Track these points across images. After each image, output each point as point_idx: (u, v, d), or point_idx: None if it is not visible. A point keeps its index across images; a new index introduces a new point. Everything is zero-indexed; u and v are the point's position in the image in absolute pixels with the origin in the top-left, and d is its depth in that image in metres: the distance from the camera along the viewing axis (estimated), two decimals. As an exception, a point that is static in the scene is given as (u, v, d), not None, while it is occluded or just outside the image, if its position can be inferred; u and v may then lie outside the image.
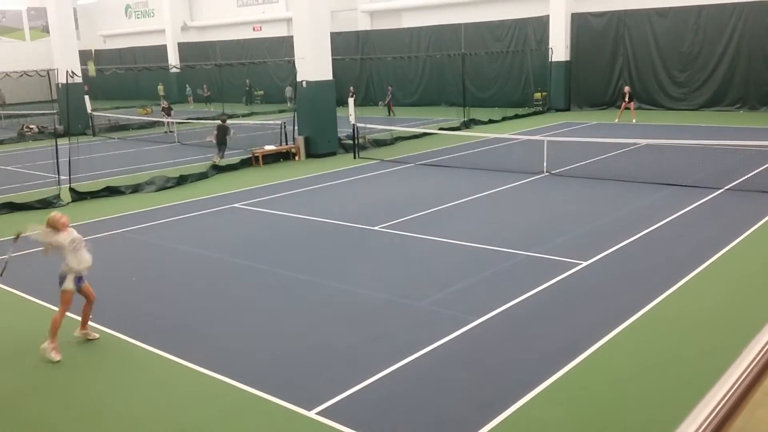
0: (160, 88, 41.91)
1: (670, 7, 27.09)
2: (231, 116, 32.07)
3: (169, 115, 26.90)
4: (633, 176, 14.41)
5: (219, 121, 19.82)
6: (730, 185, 13.32)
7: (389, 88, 31.80)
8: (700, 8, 26.37)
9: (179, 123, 26.56)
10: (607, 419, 5.35)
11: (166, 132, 26.93)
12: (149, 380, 6.35)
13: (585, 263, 9.00)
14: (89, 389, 6.22)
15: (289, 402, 5.70)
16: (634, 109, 24.89)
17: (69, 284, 7.01)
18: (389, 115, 30.24)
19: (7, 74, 24.23)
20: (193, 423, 5.54)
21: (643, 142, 17.69)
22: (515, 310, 7.53)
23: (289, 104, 36.69)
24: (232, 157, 19.09)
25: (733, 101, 26.49)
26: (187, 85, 41.93)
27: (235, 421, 5.54)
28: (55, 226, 7.07)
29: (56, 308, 8.21)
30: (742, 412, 1.43)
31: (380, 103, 32.26)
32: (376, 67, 36.03)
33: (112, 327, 7.53)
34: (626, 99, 24.51)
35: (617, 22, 28.58)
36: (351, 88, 29.73)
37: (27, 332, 7.60)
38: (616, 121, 24.71)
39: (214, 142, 18.88)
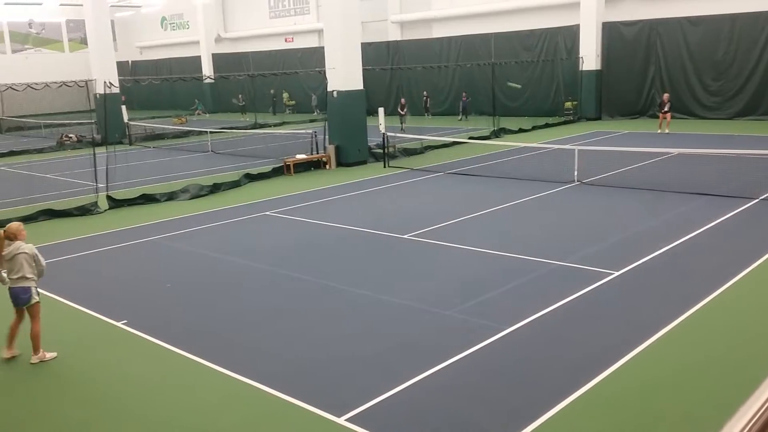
0: (287, 95, 41.62)
1: (703, 16, 26.73)
2: (263, 125, 32.53)
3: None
4: (665, 186, 14.25)
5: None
6: (765, 195, 13.10)
7: (464, 94, 32.57)
8: (734, 17, 25.96)
9: (212, 132, 26.95)
10: (639, 430, 5.31)
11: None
12: (180, 384, 6.47)
13: (617, 273, 8.94)
14: (119, 392, 6.36)
15: (319, 408, 5.76)
16: (670, 119, 24.31)
17: (37, 295, 7.04)
18: (462, 119, 31.74)
19: (47, 84, 24.92)
20: (223, 427, 5.63)
21: (675, 151, 17.48)
22: (546, 319, 7.52)
23: (315, 112, 37.03)
24: (264, 166, 19.36)
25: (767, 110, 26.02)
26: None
27: (265, 426, 5.64)
28: (17, 236, 6.96)
29: (91, 312, 8.45)
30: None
31: (460, 116, 32.50)
32: (406, 76, 36.16)
33: (146, 332, 7.69)
34: (665, 108, 23.71)
35: (649, 30, 28.27)
36: (402, 100, 30.02)
37: (57, 336, 7.80)
38: (660, 131, 23.65)
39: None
